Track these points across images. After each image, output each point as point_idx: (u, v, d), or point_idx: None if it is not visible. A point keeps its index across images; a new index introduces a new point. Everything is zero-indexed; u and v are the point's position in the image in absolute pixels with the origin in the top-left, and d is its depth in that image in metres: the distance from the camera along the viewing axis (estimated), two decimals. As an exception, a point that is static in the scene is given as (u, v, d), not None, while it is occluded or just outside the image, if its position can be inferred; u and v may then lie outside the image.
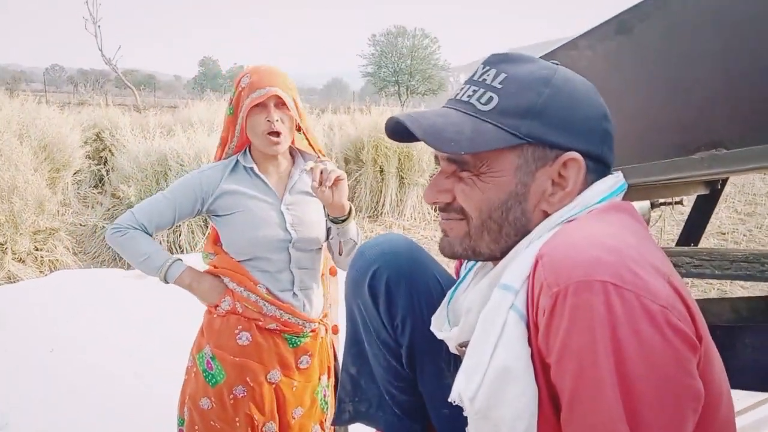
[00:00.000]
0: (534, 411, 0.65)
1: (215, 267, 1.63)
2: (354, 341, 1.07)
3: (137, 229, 1.54)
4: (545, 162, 0.76)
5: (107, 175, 6.64)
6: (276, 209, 1.60)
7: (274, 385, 1.63)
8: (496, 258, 0.80)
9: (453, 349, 0.85)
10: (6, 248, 4.69)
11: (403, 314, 0.97)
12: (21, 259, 4.84)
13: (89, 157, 7.27)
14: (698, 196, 2.00)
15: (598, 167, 0.78)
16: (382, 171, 7.60)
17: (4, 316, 3.45)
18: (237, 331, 1.59)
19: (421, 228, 7.33)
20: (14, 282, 4.47)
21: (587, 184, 0.77)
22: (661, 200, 1.99)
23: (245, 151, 1.63)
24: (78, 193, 7.02)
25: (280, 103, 1.54)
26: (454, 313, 0.86)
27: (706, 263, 1.59)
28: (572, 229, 0.68)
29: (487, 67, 0.79)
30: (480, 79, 0.79)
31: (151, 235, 1.57)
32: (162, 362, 3.08)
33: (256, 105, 1.52)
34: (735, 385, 0.79)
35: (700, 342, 0.61)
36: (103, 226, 5.71)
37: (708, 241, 5.88)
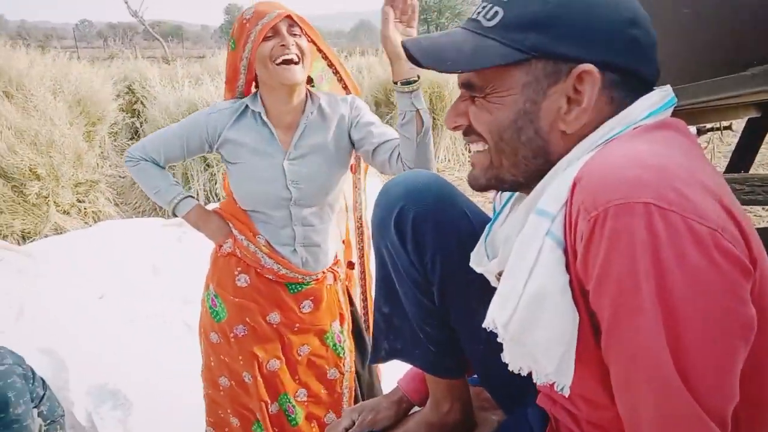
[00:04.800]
0: (573, 337, 0.63)
1: (223, 210, 1.64)
2: (384, 281, 1.05)
3: (147, 161, 1.56)
4: (558, 77, 0.69)
5: (141, 126, 6.72)
6: (278, 164, 1.51)
7: (274, 326, 1.64)
8: (520, 185, 0.77)
9: (493, 282, 0.82)
10: (49, 201, 4.83)
11: (433, 251, 0.94)
12: (65, 210, 5.00)
13: (123, 110, 7.36)
14: (749, 120, 1.89)
15: (631, 81, 0.70)
16: (413, 112, 7.46)
17: (54, 266, 3.58)
18: (236, 273, 1.60)
19: (455, 170, 7.26)
20: (61, 233, 4.62)
21: (616, 101, 0.69)
22: (709, 125, 1.89)
23: (256, 93, 1.54)
24: (115, 145, 7.15)
25: (293, 27, 1.44)
26: (493, 246, 0.83)
27: (758, 189, 1.52)
28: (613, 148, 0.63)
29: None
30: None
31: (162, 167, 1.58)
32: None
33: (266, 35, 1.41)
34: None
35: (754, 266, 0.56)
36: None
37: (757, 171, 5.64)
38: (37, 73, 6.10)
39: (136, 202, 5.75)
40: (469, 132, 0.77)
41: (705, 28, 1.15)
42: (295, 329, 1.65)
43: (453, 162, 7.49)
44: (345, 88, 1.67)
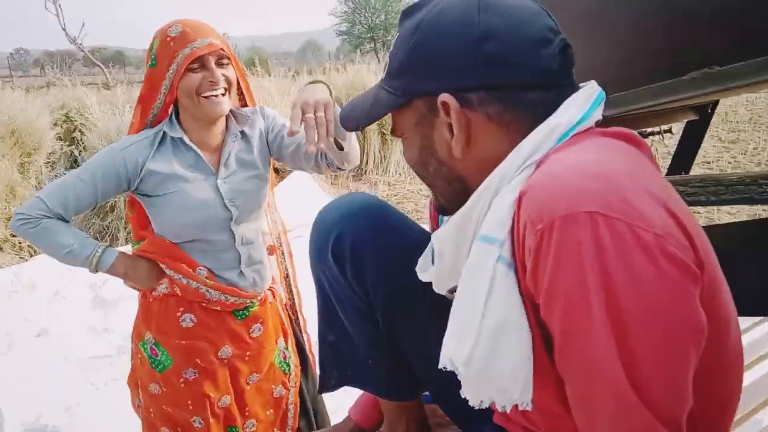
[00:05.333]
0: (530, 353, 0.62)
1: (148, 251, 1.49)
2: (326, 309, 1.03)
3: (51, 217, 1.35)
4: (436, 111, 0.70)
5: (80, 154, 6.49)
6: (212, 185, 1.45)
7: (226, 360, 1.56)
8: (452, 209, 0.75)
9: (439, 290, 0.81)
10: (-19, 237, 4.57)
11: (373, 276, 0.92)
12: (-1, 247, 4.74)
13: (60, 139, 7.10)
14: (687, 123, 1.94)
15: (511, 93, 0.67)
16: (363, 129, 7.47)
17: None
18: (179, 314, 1.50)
19: (406, 183, 7.30)
20: (-6, 270, 4.36)
21: (505, 115, 0.67)
22: (650, 129, 1.92)
23: (170, 118, 1.45)
24: (52, 175, 6.87)
25: (220, 60, 1.39)
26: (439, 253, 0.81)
27: (699, 190, 1.54)
28: (555, 160, 0.62)
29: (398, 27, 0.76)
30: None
31: (67, 221, 1.39)
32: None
33: (191, 65, 1.35)
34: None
35: (702, 270, 0.56)
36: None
37: (694, 171, 5.89)
38: (-33, 104, 5.82)
39: (77, 234, 5.51)
40: None
41: (643, 35, 1.16)
42: (246, 358, 1.59)
43: (404, 175, 7.54)
44: (242, 101, 1.59)
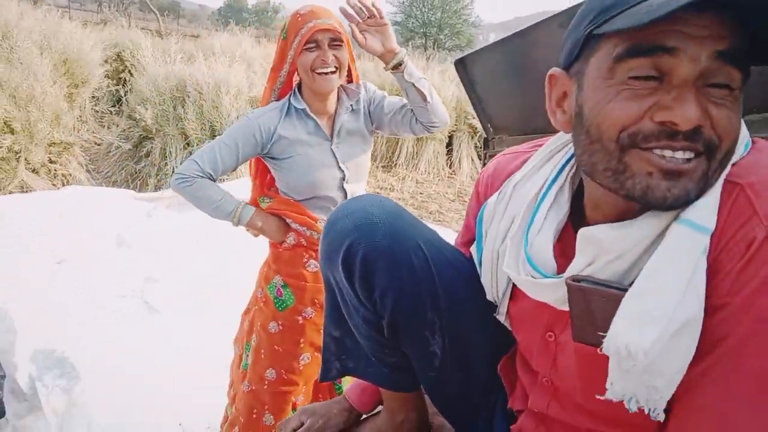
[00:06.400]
0: (690, 360, 0.60)
1: (277, 209, 1.71)
2: (334, 308, 1.03)
3: (204, 177, 1.60)
4: None
5: (125, 95, 6.58)
6: (328, 149, 1.67)
7: None
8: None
9: (532, 292, 0.77)
10: (20, 157, 4.69)
11: (382, 289, 0.89)
12: (35, 169, 4.86)
13: (108, 77, 7.19)
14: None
15: None
16: (401, 121, 7.48)
17: (15, 225, 3.47)
18: (305, 260, 1.70)
19: (434, 183, 7.29)
20: (27, 192, 4.48)
21: None
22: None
23: (294, 91, 1.67)
24: (95, 110, 6.99)
25: (334, 43, 1.57)
26: (540, 253, 0.76)
27: None
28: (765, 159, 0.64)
29: None
30: None
31: (215, 181, 1.64)
32: (164, 285, 3.11)
33: (308, 45, 1.54)
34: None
35: None
36: (119, 146, 5.70)
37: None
38: (27, 26, 5.92)
39: (108, 171, 5.62)
40: (697, 139, 0.60)
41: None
42: None
43: (432, 175, 7.53)
44: (349, 77, 1.76)
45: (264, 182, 1.78)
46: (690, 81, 0.58)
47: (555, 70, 0.73)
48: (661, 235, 0.64)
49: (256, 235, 1.77)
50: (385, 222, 0.89)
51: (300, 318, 1.70)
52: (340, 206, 0.94)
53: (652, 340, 0.58)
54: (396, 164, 7.56)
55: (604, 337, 0.63)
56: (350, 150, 1.71)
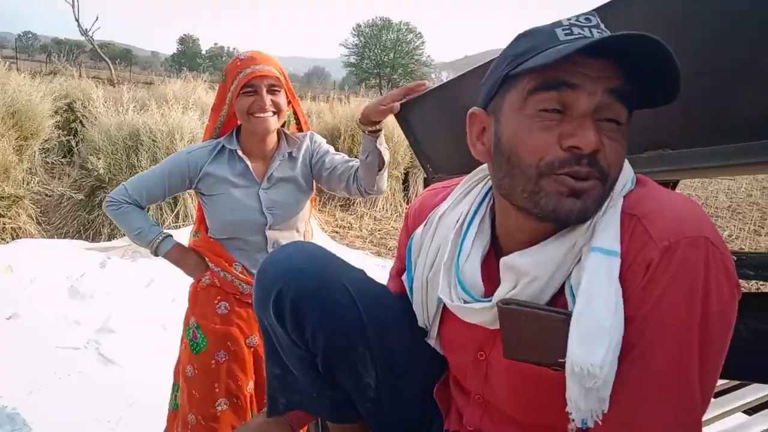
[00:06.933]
0: None
1: (197, 245, 1.74)
2: (271, 350, 1.08)
3: (130, 203, 1.65)
4: None
5: (77, 146, 6.50)
6: (254, 193, 1.68)
7: (252, 348, 1.74)
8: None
9: (462, 313, 0.84)
10: (-33, 213, 4.57)
11: (312, 329, 0.95)
12: (-18, 224, 4.73)
13: (59, 127, 7.09)
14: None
15: None
16: (357, 161, 7.57)
17: (-38, 281, 3.37)
18: (216, 302, 1.71)
19: (392, 219, 7.38)
20: (-27, 247, 4.35)
21: None
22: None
23: (232, 133, 1.70)
24: (45, 162, 6.87)
25: (273, 88, 1.59)
26: (471, 280, 0.84)
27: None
28: (659, 194, 0.74)
29: None
30: None
31: (143, 208, 1.68)
32: (121, 336, 3.07)
33: (246, 89, 1.57)
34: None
35: None
36: (70, 196, 5.60)
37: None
38: (-28, 79, 5.85)
39: (59, 223, 5.51)
40: (594, 164, 0.70)
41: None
42: None
43: (390, 212, 7.64)
44: (297, 125, 1.82)
45: (201, 217, 1.79)
46: (588, 113, 0.70)
47: (474, 109, 0.84)
48: (567, 257, 0.74)
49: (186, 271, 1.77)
50: (310, 267, 0.95)
51: (213, 362, 1.69)
52: (270, 255, 1.01)
53: (602, 355, 0.65)
54: (354, 202, 7.64)
55: (533, 353, 0.74)
56: (279, 197, 1.70)
